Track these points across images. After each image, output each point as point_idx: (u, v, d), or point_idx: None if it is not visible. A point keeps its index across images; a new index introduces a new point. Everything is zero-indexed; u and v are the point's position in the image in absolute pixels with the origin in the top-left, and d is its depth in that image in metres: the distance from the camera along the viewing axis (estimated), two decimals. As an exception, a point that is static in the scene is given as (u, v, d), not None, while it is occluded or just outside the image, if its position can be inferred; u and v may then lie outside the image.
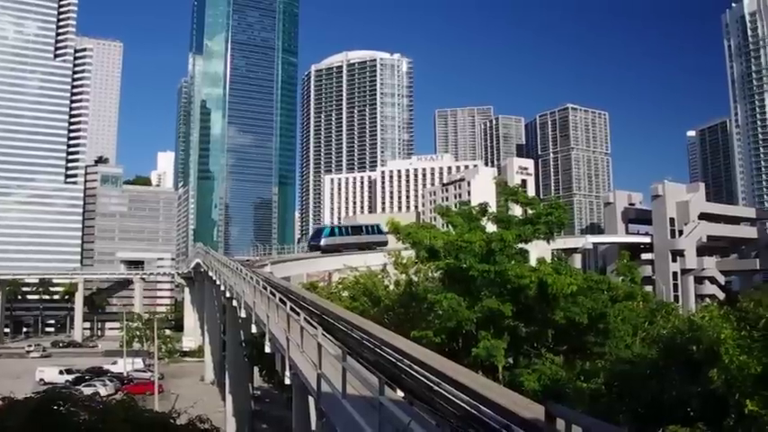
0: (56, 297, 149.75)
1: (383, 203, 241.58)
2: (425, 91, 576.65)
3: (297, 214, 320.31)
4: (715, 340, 12.66)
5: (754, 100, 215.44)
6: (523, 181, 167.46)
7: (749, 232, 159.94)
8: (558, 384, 18.63)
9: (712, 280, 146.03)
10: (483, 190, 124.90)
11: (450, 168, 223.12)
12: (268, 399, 57.91)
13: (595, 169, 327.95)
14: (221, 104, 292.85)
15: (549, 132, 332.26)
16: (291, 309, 16.75)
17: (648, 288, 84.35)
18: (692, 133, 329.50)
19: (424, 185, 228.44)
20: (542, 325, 23.30)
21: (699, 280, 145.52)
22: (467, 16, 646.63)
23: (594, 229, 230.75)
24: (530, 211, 26.41)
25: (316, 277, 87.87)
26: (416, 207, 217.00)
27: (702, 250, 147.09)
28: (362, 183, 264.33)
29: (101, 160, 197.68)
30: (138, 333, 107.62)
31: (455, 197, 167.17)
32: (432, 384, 9.59)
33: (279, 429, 47.40)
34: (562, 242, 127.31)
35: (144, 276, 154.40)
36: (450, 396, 8.90)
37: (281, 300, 19.14)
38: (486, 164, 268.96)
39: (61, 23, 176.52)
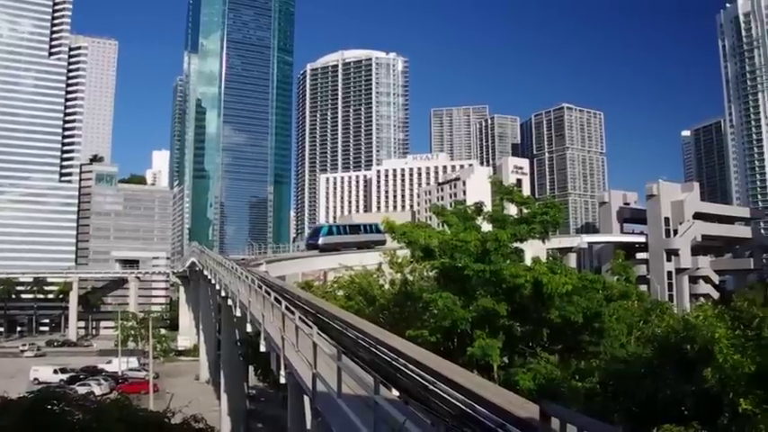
0: (50, 296, 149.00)
1: (378, 203, 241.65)
2: (421, 90, 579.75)
3: (292, 213, 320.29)
4: (709, 339, 12.70)
5: (748, 100, 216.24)
6: (519, 180, 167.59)
7: (743, 232, 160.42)
8: (554, 383, 18.66)
9: (707, 279, 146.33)
10: (478, 189, 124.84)
11: (445, 168, 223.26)
12: (263, 398, 57.82)
13: (590, 169, 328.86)
14: (216, 103, 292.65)
15: (544, 132, 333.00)
16: (286, 308, 16.71)
17: (643, 287, 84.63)
18: (686, 133, 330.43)
19: (420, 185, 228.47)
20: (537, 324, 23.35)
21: (693, 279, 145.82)
22: (462, 15, 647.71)
23: (589, 228, 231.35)
24: (525, 211, 26.47)
25: (311, 276, 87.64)
26: (412, 206, 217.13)
27: (697, 250, 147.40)
28: (358, 182, 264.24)
29: (95, 159, 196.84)
30: (132, 332, 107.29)
31: (450, 196, 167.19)
32: (427, 384, 9.59)
33: (274, 428, 47.36)
34: (557, 241, 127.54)
35: (139, 275, 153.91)
36: (445, 395, 8.90)
37: (276, 299, 19.10)
38: (482, 163, 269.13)
39: (56, 21, 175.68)
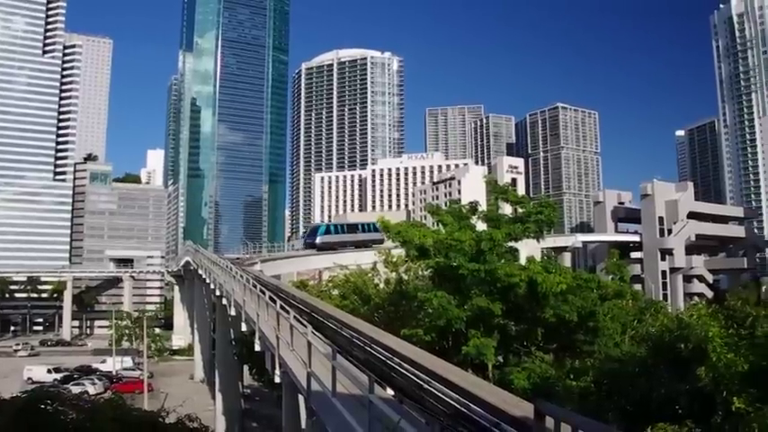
0: (44, 295, 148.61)
1: (373, 202, 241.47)
2: (416, 89, 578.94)
3: (287, 212, 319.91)
4: (703, 338, 12.72)
5: (741, 100, 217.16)
6: (513, 180, 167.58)
7: (737, 231, 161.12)
8: (548, 382, 18.68)
9: (701, 278, 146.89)
10: (473, 188, 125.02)
11: (440, 167, 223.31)
12: (258, 397, 57.82)
13: (585, 168, 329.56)
14: (211, 102, 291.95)
15: (539, 131, 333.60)
16: (281, 307, 16.71)
17: (637, 286, 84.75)
18: (680, 133, 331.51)
19: (415, 184, 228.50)
20: (532, 323, 23.38)
21: (687, 278, 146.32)
22: (457, 15, 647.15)
23: (584, 227, 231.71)
24: (520, 210, 26.50)
25: (306, 275, 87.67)
26: (407, 205, 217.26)
27: (691, 249, 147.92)
28: (353, 181, 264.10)
29: (90, 158, 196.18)
30: (127, 331, 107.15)
31: (445, 196, 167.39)
32: (422, 383, 9.60)
33: (269, 428, 47.33)
34: (552, 241, 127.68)
35: (133, 274, 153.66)
36: (440, 394, 8.91)
37: (270, 298, 19.10)
38: (477, 162, 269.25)
39: (50, 19, 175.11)
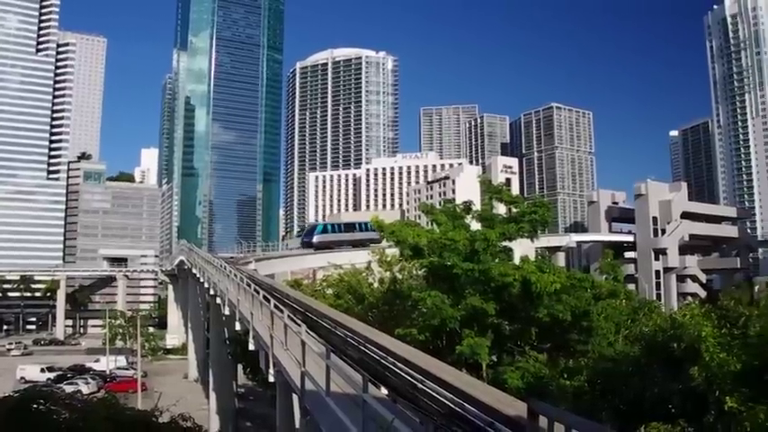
0: (37, 294, 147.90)
1: (368, 201, 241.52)
2: (411, 89, 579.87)
3: (281, 212, 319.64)
4: (696, 338, 12.77)
5: (735, 101, 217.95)
6: (508, 179, 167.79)
7: (730, 231, 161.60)
8: (542, 382, 18.73)
9: (694, 278, 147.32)
10: (467, 188, 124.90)
11: (434, 166, 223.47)
12: (252, 396, 57.67)
13: (579, 168, 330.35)
14: (206, 101, 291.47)
15: (533, 131, 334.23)
16: (275, 306, 16.69)
17: (631, 286, 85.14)
18: (674, 133, 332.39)
19: (409, 183, 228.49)
20: (526, 323, 23.41)
21: (681, 278, 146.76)
22: (452, 15, 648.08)
23: (578, 227, 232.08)
24: (514, 210, 26.58)
25: (300, 275, 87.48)
26: (401, 205, 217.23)
27: (684, 249, 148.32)
28: (347, 180, 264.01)
29: (83, 156, 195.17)
30: (121, 330, 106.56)
31: (440, 195, 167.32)
32: (416, 382, 9.59)
33: (263, 427, 47.28)
34: (546, 240, 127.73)
35: (127, 273, 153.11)
36: (434, 394, 8.90)
37: (264, 297, 19.06)
38: (471, 162, 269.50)
39: (43, 17, 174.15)
